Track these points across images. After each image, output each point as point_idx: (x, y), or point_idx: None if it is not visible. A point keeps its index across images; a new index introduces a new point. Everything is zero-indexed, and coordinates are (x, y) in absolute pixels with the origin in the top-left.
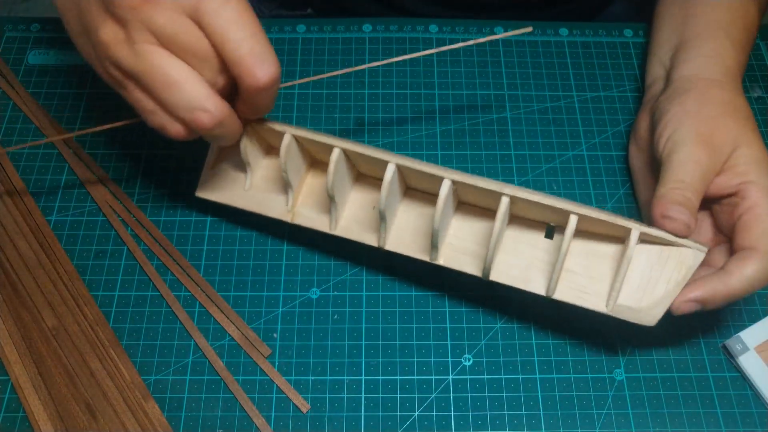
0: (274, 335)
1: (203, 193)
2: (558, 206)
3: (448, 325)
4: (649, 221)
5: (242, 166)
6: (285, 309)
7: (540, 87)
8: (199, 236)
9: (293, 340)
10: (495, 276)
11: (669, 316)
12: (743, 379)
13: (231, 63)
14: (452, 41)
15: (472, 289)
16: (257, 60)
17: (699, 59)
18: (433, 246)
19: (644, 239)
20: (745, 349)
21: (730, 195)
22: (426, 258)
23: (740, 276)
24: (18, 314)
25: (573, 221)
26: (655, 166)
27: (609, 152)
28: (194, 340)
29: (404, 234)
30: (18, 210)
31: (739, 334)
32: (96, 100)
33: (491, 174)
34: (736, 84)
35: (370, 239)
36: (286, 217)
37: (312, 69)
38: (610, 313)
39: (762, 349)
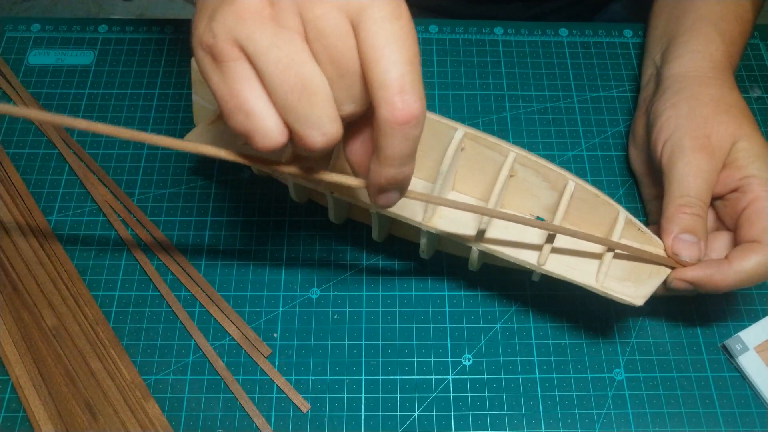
0: (274, 335)
1: (193, 139)
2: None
3: (448, 325)
4: (654, 218)
5: None
6: (285, 309)
7: (540, 87)
8: (199, 236)
9: (293, 340)
10: (487, 242)
11: (667, 315)
12: (743, 379)
13: (374, 86)
14: (453, 42)
15: (472, 288)
16: (405, 88)
17: (687, 55)
18: (427, 210)
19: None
20: (745, 349)
21: (732, 191)
22: (419, 219)
23: (739, 267)
24: (18, 314)
25: (563, 206)
26: (654, 168)
27: (609, 152)
28: (194, 340)
29: None
30: (18, 210)
31: (738, 334)
32: (96, 101)
33: None
34: (727, 78)
35: (363, 197)
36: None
37: None
38: (600, 288)
39: (762, 349)
